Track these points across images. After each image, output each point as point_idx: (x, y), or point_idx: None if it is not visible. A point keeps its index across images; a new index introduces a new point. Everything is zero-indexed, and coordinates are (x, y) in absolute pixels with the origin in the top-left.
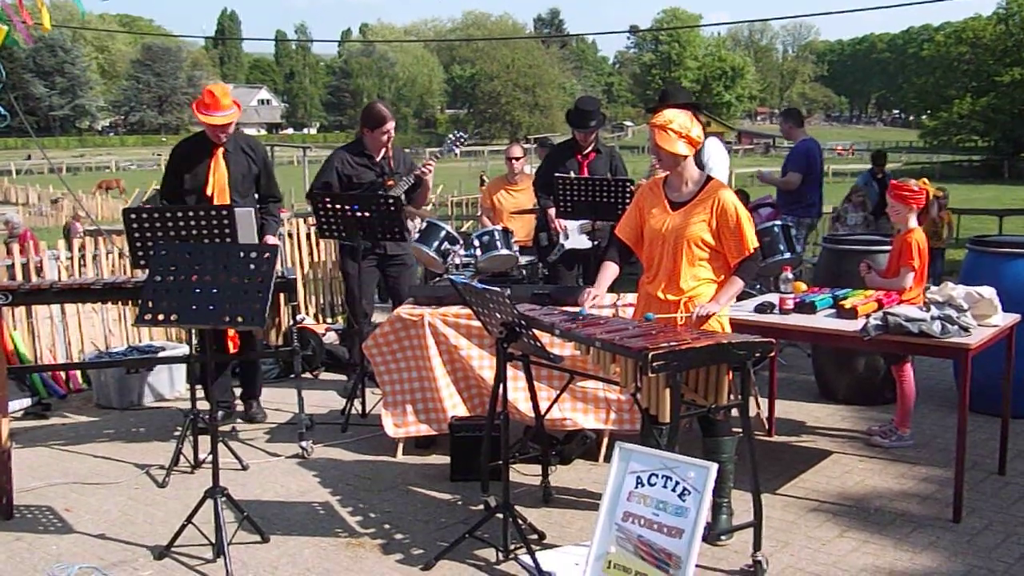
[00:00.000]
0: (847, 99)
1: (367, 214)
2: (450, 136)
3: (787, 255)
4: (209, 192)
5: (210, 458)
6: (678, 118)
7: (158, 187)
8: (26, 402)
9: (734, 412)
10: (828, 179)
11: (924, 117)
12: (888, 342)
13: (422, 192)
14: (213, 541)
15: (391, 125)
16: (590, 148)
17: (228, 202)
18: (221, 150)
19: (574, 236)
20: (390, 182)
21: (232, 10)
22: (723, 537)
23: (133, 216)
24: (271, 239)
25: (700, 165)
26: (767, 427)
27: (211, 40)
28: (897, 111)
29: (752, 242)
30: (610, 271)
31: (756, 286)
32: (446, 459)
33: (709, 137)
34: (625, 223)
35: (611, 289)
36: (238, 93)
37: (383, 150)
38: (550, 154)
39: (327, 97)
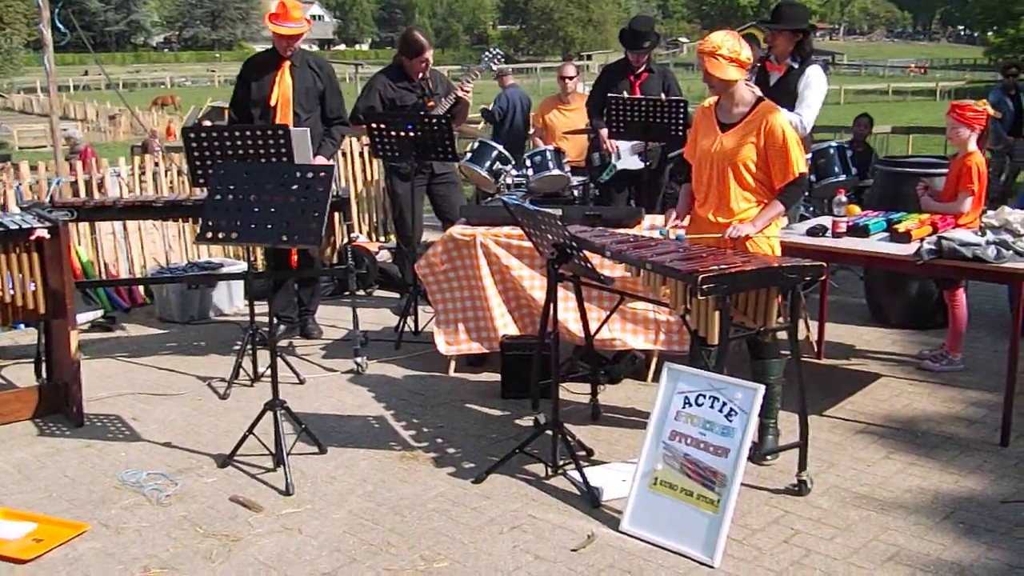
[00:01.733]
0: (910, 14)
1: (419, 134)
2: (487, 53)
3: (842, 177)
4: (272, 103)
5: (269, 372)
6: (727, 42)
7: (213, 103)
8: (92, 315)
9: (783, 334)
10: (888, 99)
11: (990, 34)
12: (941, 267)
13: (462, 111)
14: (273, 451)
15: (430, 53)
16: (643, 68)
17: (291, 115)
18: (288, 63)
19: (626, 157)
20: (431, 103)
21: None
22: (769, 457)
23: (192, 135)
24: (321, 160)
25: (794, 92)
26: (816, 350)
27: None
28: (962, 27)
29: (798, 166)
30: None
31: (810, 208)
32: (497, 377)
33: (813, 64)
34: (689, 146)
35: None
36: None
37: (421, 73)
38: (603, 74)
39: (379, 12)
